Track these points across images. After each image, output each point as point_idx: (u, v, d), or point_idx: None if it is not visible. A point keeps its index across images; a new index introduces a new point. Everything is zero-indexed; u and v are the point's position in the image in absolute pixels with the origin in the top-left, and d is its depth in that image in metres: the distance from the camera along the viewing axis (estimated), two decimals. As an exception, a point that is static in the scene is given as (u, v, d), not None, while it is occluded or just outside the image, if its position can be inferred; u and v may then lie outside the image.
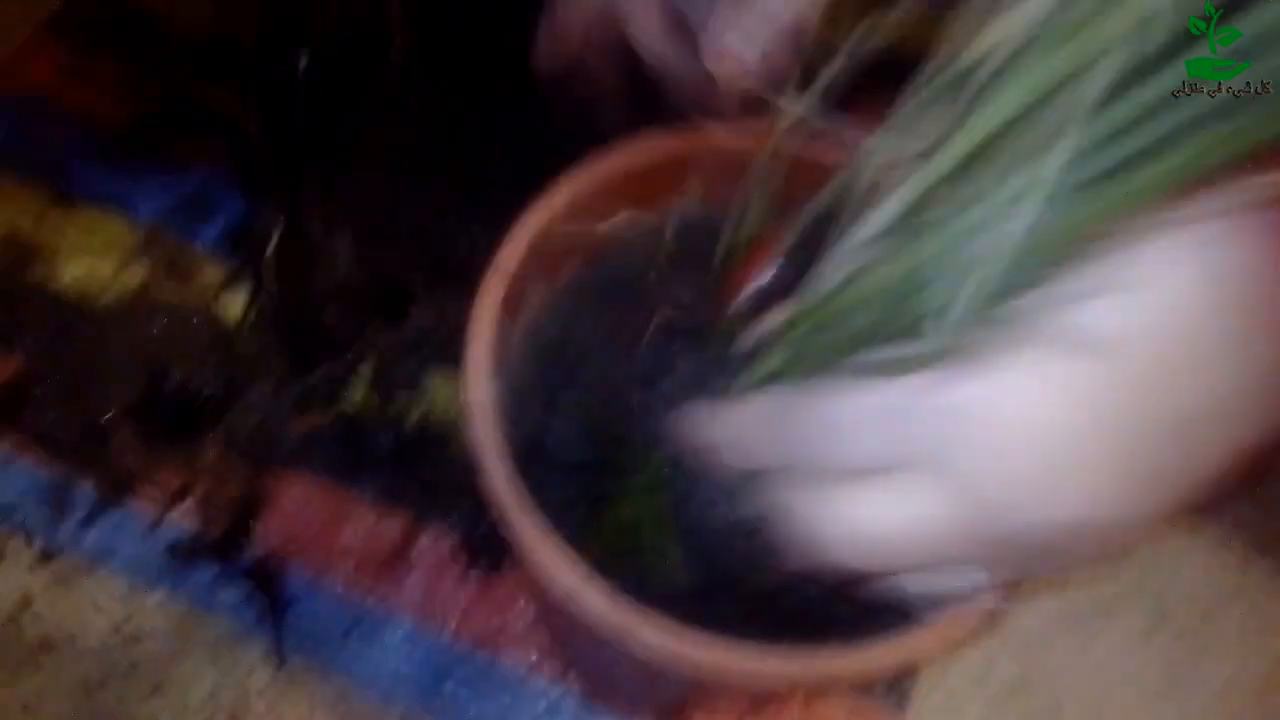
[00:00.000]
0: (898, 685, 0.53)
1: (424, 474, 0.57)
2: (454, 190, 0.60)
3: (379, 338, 0.59)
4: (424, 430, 0.58)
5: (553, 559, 0.31)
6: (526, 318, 0.39)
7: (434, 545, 0.55)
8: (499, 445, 0.32)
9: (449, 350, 0.59)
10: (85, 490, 0.56)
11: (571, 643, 0.49)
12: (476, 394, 0.33)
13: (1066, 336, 0.23)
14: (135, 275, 0.61)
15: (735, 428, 0.32)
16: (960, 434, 0.25)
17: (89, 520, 0.56)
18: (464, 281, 0.36)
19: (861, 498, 0.27)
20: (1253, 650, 0.55)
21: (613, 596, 0.30)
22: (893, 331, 0.26)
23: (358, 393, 0.59)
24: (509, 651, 0.53)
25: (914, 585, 0.30)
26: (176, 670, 0.52)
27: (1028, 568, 0.29)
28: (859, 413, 0.27)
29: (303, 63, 0.61)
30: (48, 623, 0.53)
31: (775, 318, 0.32)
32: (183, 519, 0.56)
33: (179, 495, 0.56)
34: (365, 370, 0.59)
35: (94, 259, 0.62)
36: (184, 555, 0.55)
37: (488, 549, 0.55)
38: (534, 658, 0.53)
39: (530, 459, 0.39)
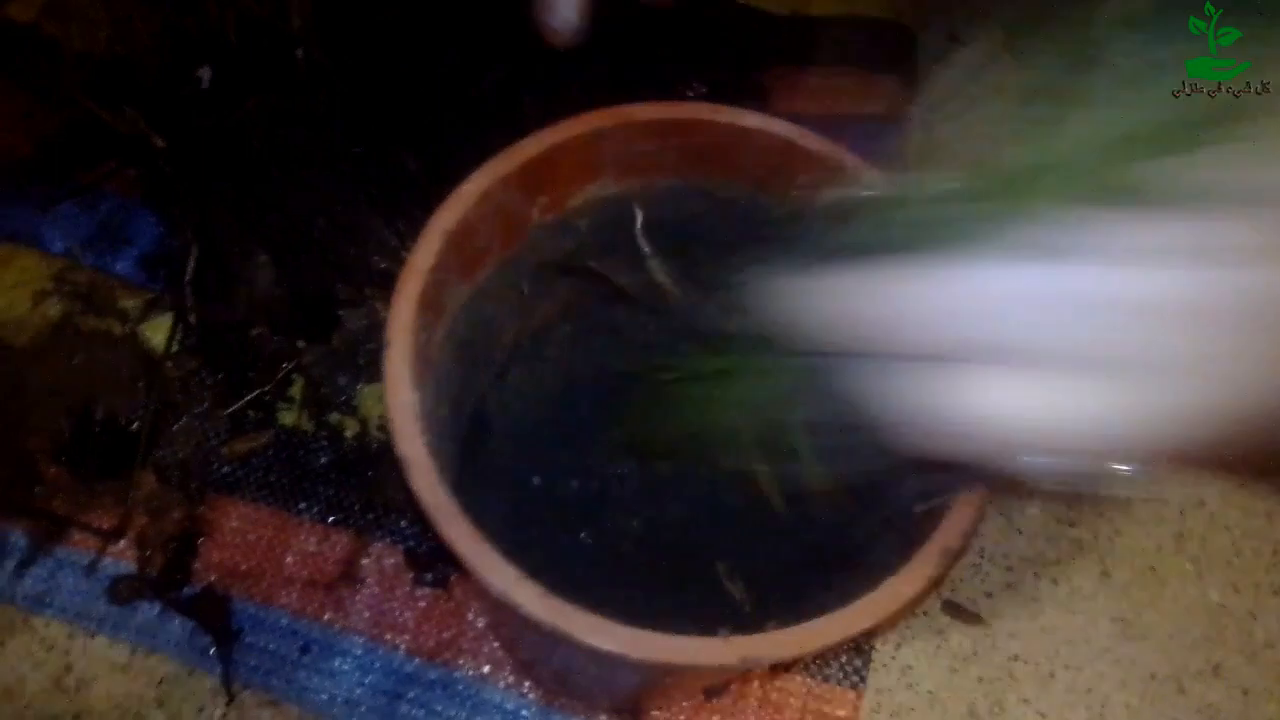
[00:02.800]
0: (853, 663, 0.53)
1: (364, 491, 0.56)
2: (370, 195, 0.59)
3: (307, 355, 0.58)
4: (361, 446, 0.57)
5: (485, 563, 0.30)
6: (448, 319, 0.39)
7: (380, 562, 0.54)
8: (423, 452, 0.32)
9: (379, 362, 0.58)
10: (16, 537, 0.55)
11: (523, 647, 0.49)
12: (397, 401, 0.33)
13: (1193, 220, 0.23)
14: (53, 309, 0.60)
15: (842, 302, 0.29)
16: (1109, 322, 0.24)
17: (23, 568, 0.54)
18: (389, 286, 0.36)
19: (1007, 382, 0.26)
20: (1195, 601, 0.56)
21: (545, 596, 0.29)
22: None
23: (290, 414, 0.58)
24: (464, 663, 0.52)
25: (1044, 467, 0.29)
26: (124, 715, 0.51)
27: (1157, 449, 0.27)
28: (997, 295, 0.25)
29: (206, 78, 0.60)
30: (-15, 678, 0.52)
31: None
32: (120, 557, 0.54)
33: (115, 533, 0.55)
34: (296, 390, 0.58)
35: (8, 296, 0.60)
36: (124, 595, 0.53)
37: (435, 562, 0.54)
38: (488, 668, 0.52)
39: (463, 463, 0.39)
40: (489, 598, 0.32)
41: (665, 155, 0.40)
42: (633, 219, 0.38)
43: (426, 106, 0.61)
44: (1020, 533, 0.58)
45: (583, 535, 0.44)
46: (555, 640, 0.30)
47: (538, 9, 0.41)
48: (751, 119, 0.40)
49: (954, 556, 0.33)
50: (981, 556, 0.57)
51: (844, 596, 0.32)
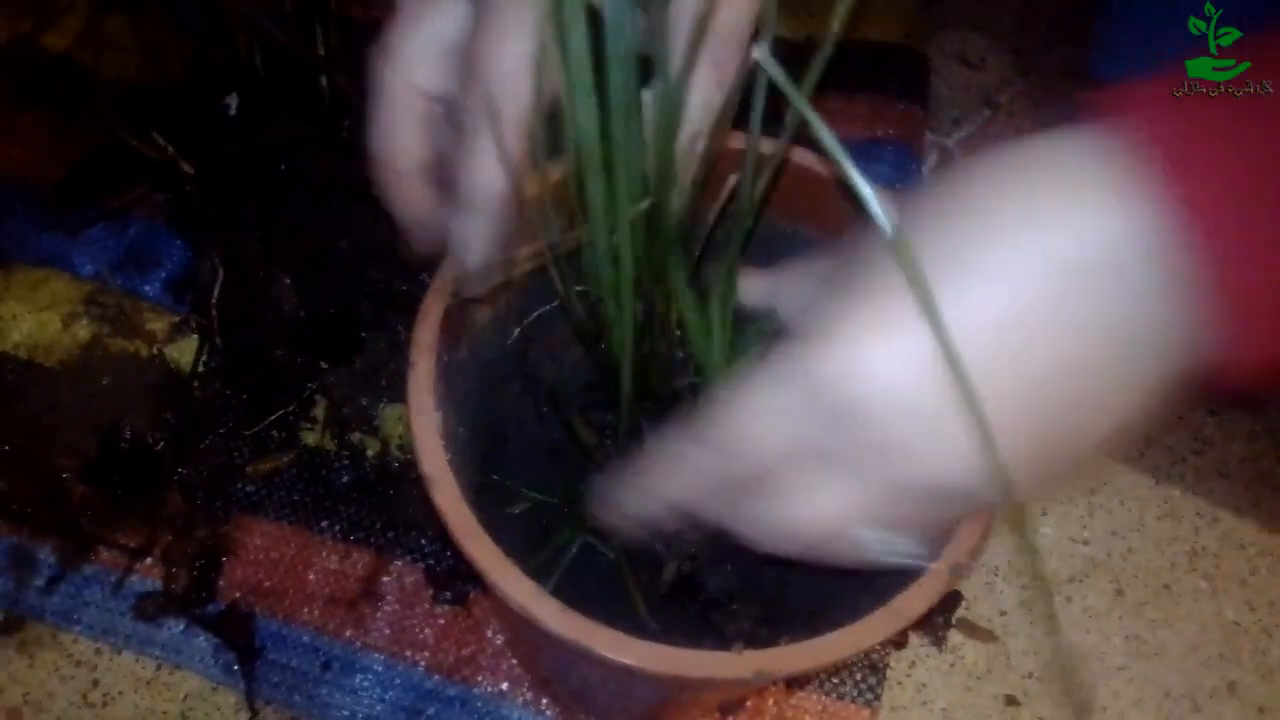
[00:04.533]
0: (868, 680, 0.53)
1: (386, 510, 0.57)
2: (393, 219, 0.60)
3: (330, 376, 0.59)
4: (383, 466, 0.58)
5: (506, 579, 0.31)
6: (470, 340, 0.40)
7: (400, 580, 0.55)
8: (446, 471, 0.33)
9: (402, 382, 0.59)
10: (46, 555, 0.56)
11: (542, 663, 0.50)
12: (420, 420, 0.34)
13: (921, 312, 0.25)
14: (83, 331, 0.61)
15: (653, 488, 0.34)
16: (847, 412, 0.27)
17: (51, 585, 0.55)
18: (411, 308, 0.37)
19: (787, 499, 0.30)
20: (1209, 619, 0.57)
21: (565, 611, 0.30)
22: None
23: (313, 434, 0.59)
24: (482, 680, 0.53)
25: (872, 552, 0.31)
26: (149, 729, 0.52)
27: (945, 517, 0.32)
28: (754, 420, 0.29)
29: (233, 105, 0.61)
30: (13, 694, 0.53)
31: None
32: (147, 575, 0.55)
33: (141, 551, 0.56)
34: (319, 410, 0.59)
35: (39, 318, 0.62)
36: (150, 612, 0.54)
37: (454, 580, 0.55)
38: (506, 685, 0.53)
39: (483, 479, 0.40)
40: (509, 613, 0.33)
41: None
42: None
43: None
44: (1033, 551, 0.58)
45: (601, 551, 0.45)
46: (575, 655, 0.31)
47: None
48: (768, 145, 0.41)
49: (964, 572, 0.34)
50: (995, 575, 0.57)
51: (856, 612, 0.33)
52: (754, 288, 0.38)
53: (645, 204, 0.34)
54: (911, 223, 0.27)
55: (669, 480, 0.33)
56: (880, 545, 0.30)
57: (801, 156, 0.40)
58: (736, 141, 0.39)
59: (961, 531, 0.34)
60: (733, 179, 0.35)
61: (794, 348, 0.28)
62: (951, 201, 0.27)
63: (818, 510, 0.29)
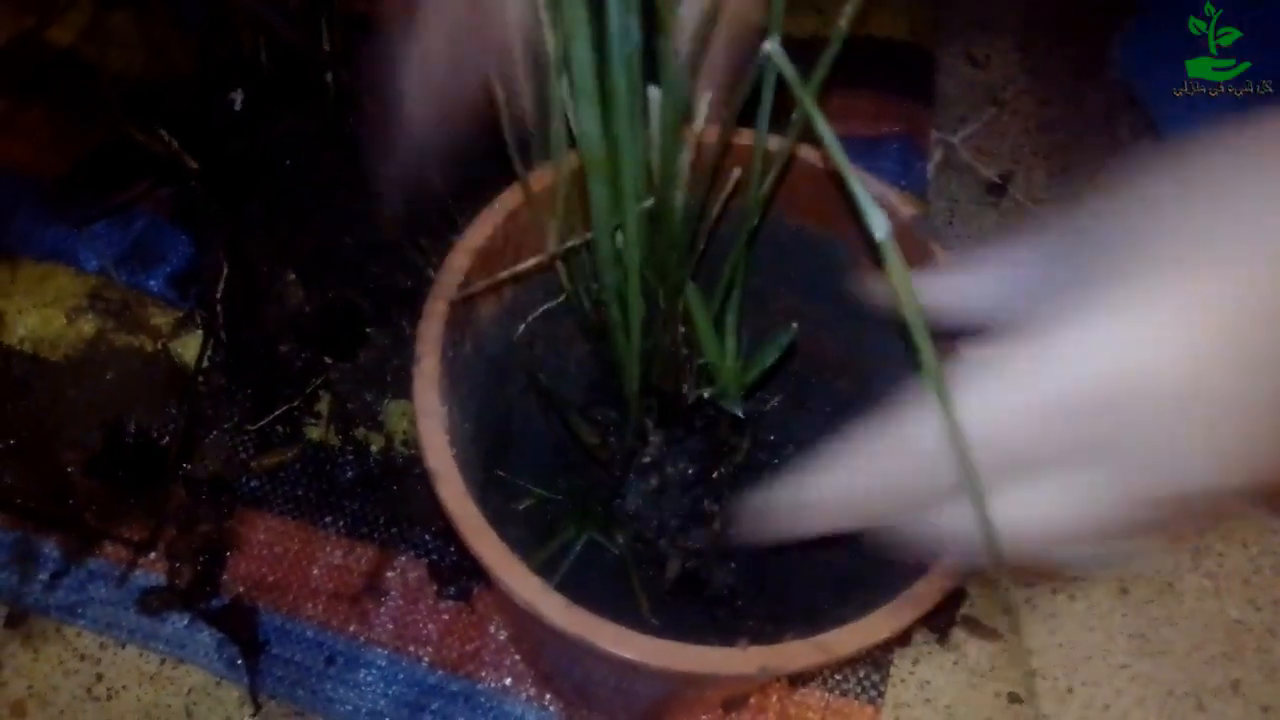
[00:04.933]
0: (871, 678, 0.53)
1: (390, 505, 0.57)
2: (397, 215, 0.60)
3: (334, 372, 0.59)
4: (386, 461, 0.58)
5: (511, 575, 0.31)
6: (475, 335, 0.40)
7: (404, 575, 0.55)
8: (451, 466, 0.33)
9: (406, 378, 0.59)
10: (50, 549, 0.56)
11: (545, 659, 0.50)
12: (426, 415, 0.34)
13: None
14: (87, 326, 0.61)
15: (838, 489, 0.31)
16: (1104, 408, 0.24)
17: (56, 579, 0.55)
18: (415, 304, 0.37)
19: (1022, 500, 0.27)
20: (1213, 617, 0.57)
21: (569, 607, 0.30)
22: None
23: (317, 429, 0.59)
24: (486, 675, 0.53)
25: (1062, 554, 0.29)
26: (153, 724, 0.52)
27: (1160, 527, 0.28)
28: (983, 419, 0.26)
29: (238, 101, 0.61)
30: (18, 687, 0.53)
31: None
32: (151, 569, 0.55)
33: (145, 546, 0.56)
34: (323, 406, 0.59)
35: (44, 313, 0.62)
36: (154, 606, 0.55)
37: (458, 575, 0.55)
38: (510, 680, 0.53)
39: (488, 475, 0.40)
40: (514, 609, 0.33)
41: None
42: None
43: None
44: (1038, 549, 0.58)
45: (605, 548, 0.45)
46: (579, 650, 0.31)
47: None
48: (775, 142, 0.41)
49: (971, 569, 0.34)
50: (999, 572, 0.57)
51: (862, 609, 0.33)
52: (942, 288, 0.34)
53: (648, 203, 0.34)
54: (1149, 199, 0.25)
55: (863, 486, 0.30)
56: (1100, 553, 0.29)
57: (808, 154, 0.40)
58: (743, 138, 0.39)
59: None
60: (736, 172, 0.35)
61: (1027, 340, 0.26)
62: (1192, 178, 0.25)
63: (1050, 515, 0.27)
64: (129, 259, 0.64)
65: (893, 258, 0.24)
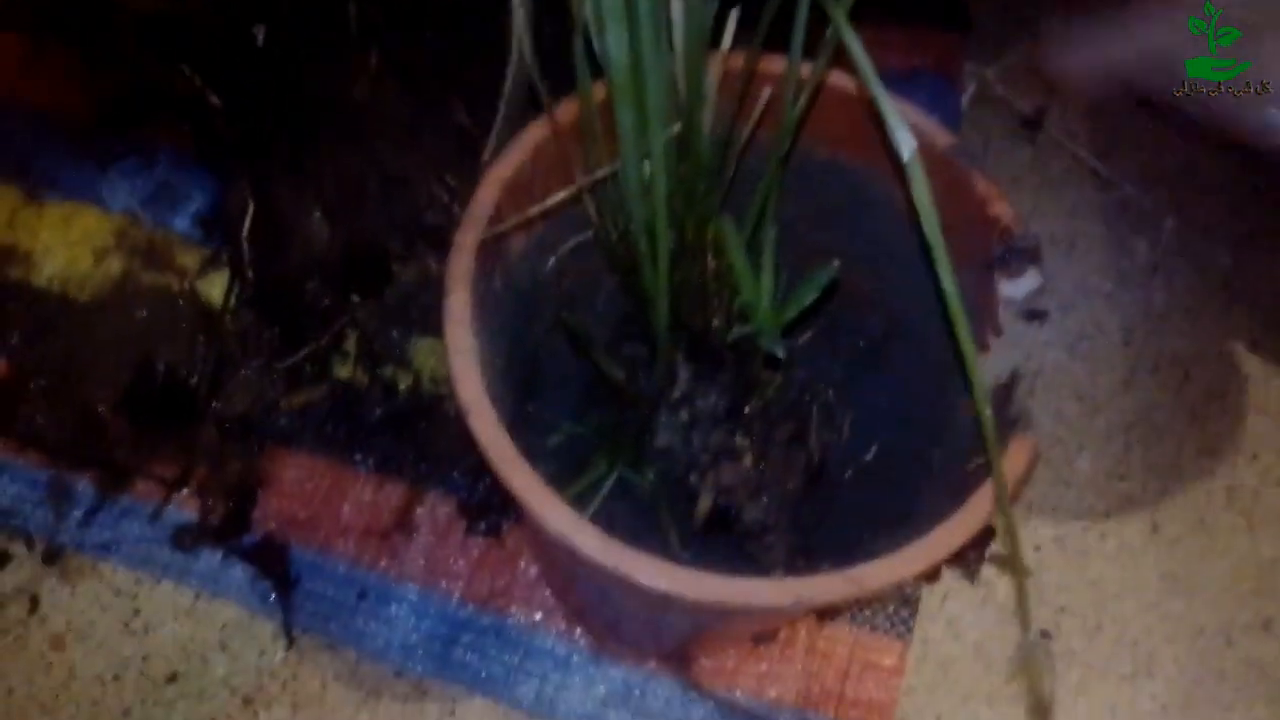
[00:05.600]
0: (900, 613, 0.53)
1: (419, 442, 0.57)
2: (422, 151, 0.59)
3: (361, 309, 0.59)
4: (415, 399, 0.58)
5: (545, 506, 0.31)
6: (505, 269, 0.39)
7: (434, 512, 0.56)
8: (483, 398, 0.33)
9: (433, 315, 0.59)
10: (83, 487, 0.57)
11: (575, 594, 0.50)
12: (457, 347, 0.34)
13: None
14: (114, 266, 0.61)
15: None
16: None
17: (90, 517, 0.56)
18: (441, 240, 0.36)
19: None
20: (1245, 557, 0.56)
21: (605, 539, 0.30)
22: None
23: (345, 367, 0.59)
24: (516, 610, 0.53)
25: None
26: (189, 658, 0.53)
27: None
28: None
29: (260, 36, 0.60)
30: (57, 622, 0.54)
31: None
32: (183, 506, 0.56)
33: (177, 483, 0.56)
34: (350, 344, 0.59)
35: (70, 253, 0.62)
36: (187, 543, 0.55)
37: (487, 511, 0.55)
38: (540, 615, 0.53)
39: (519, 411, 0.40)
40: (545, 543, 0.33)
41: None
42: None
43: (479, 62, 0.61)
44: (1069, 486, 0.58)
45: (635, 483, 0.45)
46: (613, 583, 0.31)
47: None
48: (806, 68, 0.40)
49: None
50: (1030, 510, 0.57)
51: (894, 544, 0.33)
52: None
53: (676, 127, 0.33)
54: None
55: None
56: None
57: (841, 80, 0.39)
58: (774, 65, 0.38)
59: (1005, 462, 0.34)
60: (767, 91, 0.34)
61: None
62: None
63: None
64: (154, 198, 0.63)
65: (919, 178, 0.23)
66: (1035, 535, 0.56)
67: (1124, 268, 0.64)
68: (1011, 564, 0.42)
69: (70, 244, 0.62)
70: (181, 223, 0.63)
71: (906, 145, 0.23)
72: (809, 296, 0.37)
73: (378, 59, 0.60)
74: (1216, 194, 0.67)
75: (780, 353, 0.37)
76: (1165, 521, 0.57)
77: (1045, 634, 0.54)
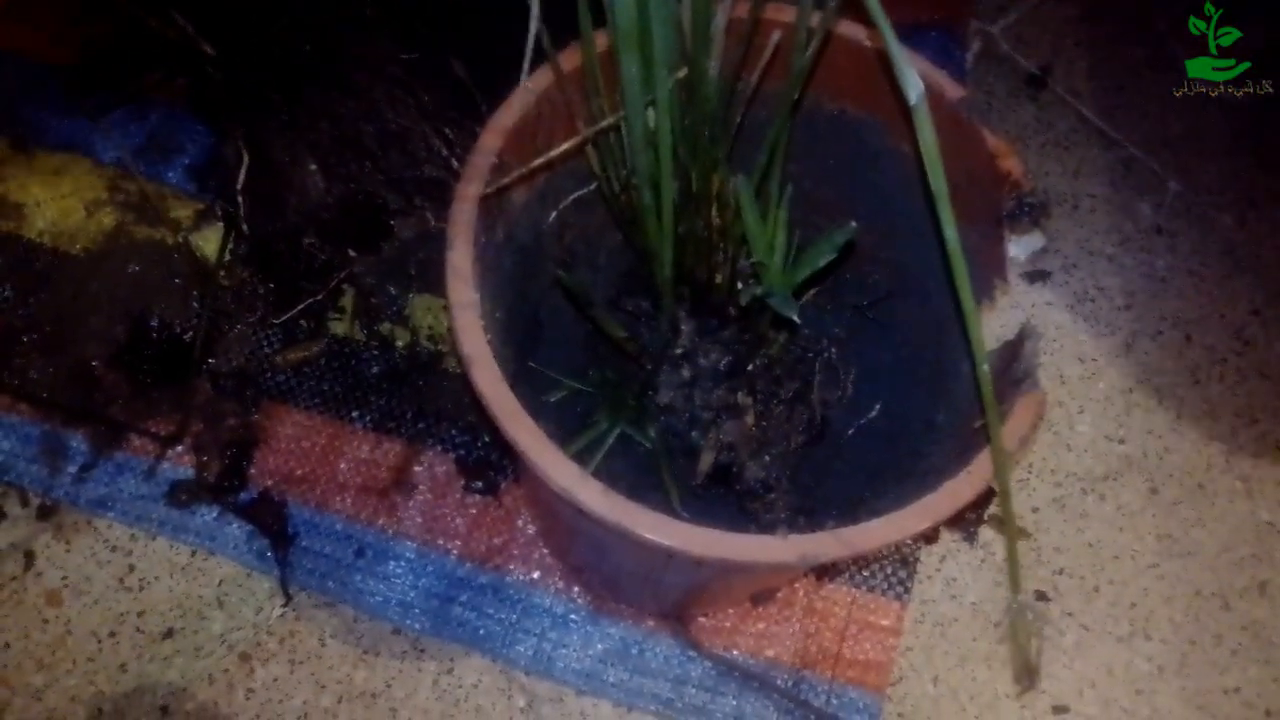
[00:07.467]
0: (898, 574, 0.53)
1: (416, 400, 0.57)
2: (420, 102, 0.58)
3: (358, 264, 0.58)
4: (412, 356, 0.57)
5: (547, 460, 0.31)
6: (507, 223, 0.39)
7: (431, 469, 0.55)
8: (486, 350, 0.32)
9: (431, 271, 0.58)
10: (78, 442, 0.56)
11: (574, 552, 0.50)
12: (459, 300, 0.33)
13: None
14: (107, 219, 0.60)
15: None
16: None
17: (85, 472, 0.55)
18: (439, 194, 0.36)
19: None
20: (1243, 520, 0.56)
21: (607, 493, 0.30)
22: None
23: (342, 324, 0.58)
24: (514, 568, 0.53)
25: None
26: (185, 614, 0.53)
27: None
28: None
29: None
30: (53, 578, 0.54)
31: None
32: (179, 462, 0.56)
33: (172, 439, 0.56)
34: (347, 300, 0.59)
35: (62, 205, 0.61)
36: (184, 498, 0.55)
37: (485, 469, 0.55)
38: (538, 573, 0.53)
39: (520, 367, 0.39)
40: (546, 499, 0.32)
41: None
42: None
43: (475, 13, 0.60)
44: (1069, 448, 0.58)
45: (637, 440, 0.44)
46: (615, 538, 0.31)
47: None
48: (815, 17, 0.39)
49: (1010, 461, 0.33)
50: (1029, 472, 0.57)
51: (896, 503, 0.32)
52: None
53: (681, 73, 0.32)
54: None
55: None
56: None
57: (848, 29, 0.38)
58: (782, 14, 0.37)
59: (1010, 421, 0.33)
60: (776, 35, 0.34)
61: None
62: None
63: None
64: (147, 150, 0.62)
65: (925, 124, 0.22)
66: (1034, 497, 0.56)
67: (1127, 230, 0.64)
68: (1005, 525, 0.43)
69: (61, 196, 0.61)
70: (175, 175, 0.62)
71: (914, 88, 0.22)
72: (824, 258, 0.36)
73: (373, 9, 0.59)
74: (1221, 158, 0.66)
75: (794, 315, 0.36)
76: (1164, 484, 0.57)
77: (1042, 595, 0.54)
